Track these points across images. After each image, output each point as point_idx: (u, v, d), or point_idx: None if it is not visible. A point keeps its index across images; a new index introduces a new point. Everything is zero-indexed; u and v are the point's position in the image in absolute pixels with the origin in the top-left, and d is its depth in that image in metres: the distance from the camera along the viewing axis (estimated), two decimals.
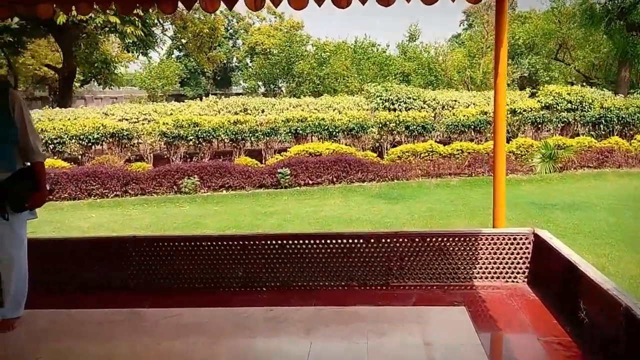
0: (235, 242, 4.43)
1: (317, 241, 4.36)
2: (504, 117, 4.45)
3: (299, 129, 15.61)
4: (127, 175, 12.30)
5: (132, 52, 31.13)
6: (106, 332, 3.56)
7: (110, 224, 9.33)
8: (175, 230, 8.82)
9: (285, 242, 4.39)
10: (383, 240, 4.31)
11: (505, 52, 4.31)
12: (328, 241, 4.36)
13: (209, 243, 4.44)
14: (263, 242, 4.40)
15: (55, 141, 13.87)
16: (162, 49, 42.13)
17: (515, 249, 4.23)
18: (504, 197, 4.40)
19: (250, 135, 15.31)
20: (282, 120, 16.13)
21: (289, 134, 15.60)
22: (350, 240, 4.34)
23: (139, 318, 3.78)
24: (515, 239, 4.23)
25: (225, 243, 4.43)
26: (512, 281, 4.22)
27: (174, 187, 12.44)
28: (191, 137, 14.80)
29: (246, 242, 4.42)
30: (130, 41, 25.11)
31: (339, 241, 4.35)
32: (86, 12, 4.73)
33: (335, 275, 4.32)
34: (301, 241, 4.38)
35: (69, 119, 15.66)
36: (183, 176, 12.47)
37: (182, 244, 4.45)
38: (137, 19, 23.56)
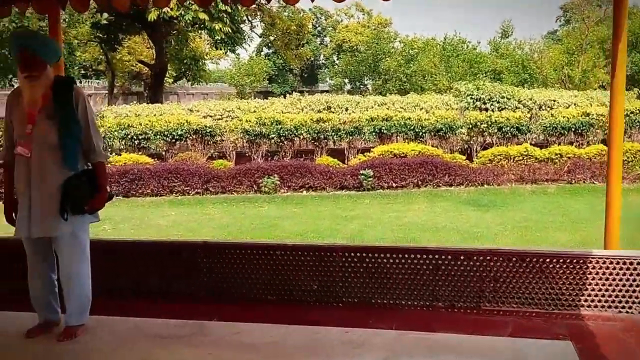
0: (311, 253, 4.17)
1: (400, 255, 4.02)
2: (622, 120, 3.91)
3: (383, 128, 15.24)
4: (209, 173, 12.42)
5: (221, 49, 31.86)
6: (170, 347, 3.39)
7: (189, 223, 9.39)
8: (252, 232, 8.72)
9: (364, 254, 4.08)
10: (475, 258, 3.89)
11: (624, 47, 3.81)
12: (412, 256, 4.01)
13: (282, 252, 4.21)
14: (340, 253, 4.12)
15: (140, 137, 14.28)
16: (250, 45, 43.08)
17: (632, 274, 3.68)
18: (619, 213, 3.86)
19: (333, 134, 15.10)
20: (366, 119, 15.82)
21: (373, 134, 15.26)
22: (437, 256, 3.96)
23: (205, 332, 3.59)
24: (632, 263, 3.69)
25: (300, 253, 4.19)
26: (627, 312, 3.68)
27: (254, 186, 12.42)
28: (273, 135, 14.79)
29: (322, 253, 4.15)
30: (219, 38, 25.60)
31: (424, 256, 3.99)
32: (164, 4, 4.66)
33: (419, 294, 3.97)
34: (382, 255, 4.06)
35: (154, 115, 16.11)
36: (263, 175, 12.43)
37: (255, 251, 4.25)
38: (225, 16, 23.96)
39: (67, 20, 15.71)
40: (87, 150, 3.39)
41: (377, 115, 15.93)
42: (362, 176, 12.49)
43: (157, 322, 3.75)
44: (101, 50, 30.64)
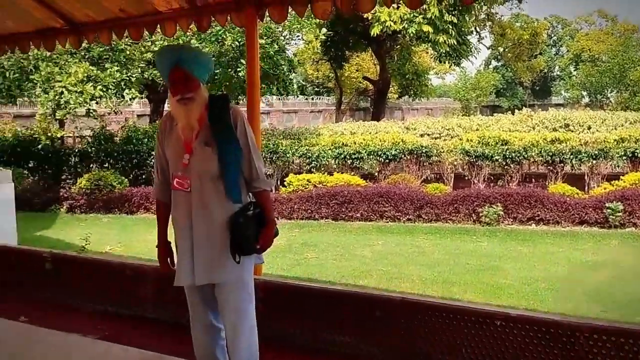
0: (543, 329, 3.17)
1: None
2: None
3: (637, 151, 13.06)
4: (422, 198, 11.65)
5: (445, 63, 31.55)
6: None
7: (395, 257, 8.66)
8: (467, 274, 7.66)
9: (628, 341, 2.96)
10: None
11: None
12: None
13: (503, 323, 3.28)
14: (587, 334, 3.05)
15: (353, 156, 14.11)
16: (476, 58, 42.63)
17: None
18: None
19: (571, 156, 13.33)
20: (615, 140, 13.74)
21: (624, 158, 13.22)
22: None
23: None
24: None
25: (527, 327, 3.21)
26: None
27: (473, 215, 11.33)
28: (497, 157, 13.56)
29: (560, 331, 3.12)
30: (444, 51, 25.17)
31: None
32: (368, 9, 4.08)
33: None
34: None
35: (369, 133, 15.95)
36: (484, 203, 11.27)
37: (466, 318, 3.37)
38: (451, 27, 23.43)
39: (286, 37, 16.43)
40: (249, 177, 2.97)
41: (630, 136, 13.77)
42: (609, 210, 10.65)
43: None
44: (331, 68, 32.53)
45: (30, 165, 14.94)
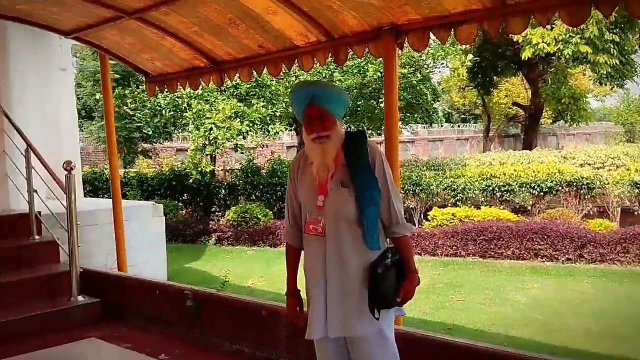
0: None
1: None
2: None
3: None
4: (584, 236, 10.57)
5: (606, 85, 29.47)
6: None
7: (553, 304, 7.81)
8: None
9: None
10: None
11: None
12: None
13: None
14: None
15: (503, 189, 13.31)
16: None
17: None
18: None
19: None
20: None
21: None
22: None
23: None
24: None
25: None
26: None
27: None
28: None
29: None
30: (604, 72, 23.44)
31: None
32: (519, 31, 3.69)
33: None
34: None
35: (521, 164, 15.05)
36: None
37: None
38: (613, 47, 21.80)
39: (430, 65, 16.10)
40: (388, 222, 2.72)
41: None
42: None
43: None
44: (478, 95, 31.91)
45: (184, 197, 15.89)
